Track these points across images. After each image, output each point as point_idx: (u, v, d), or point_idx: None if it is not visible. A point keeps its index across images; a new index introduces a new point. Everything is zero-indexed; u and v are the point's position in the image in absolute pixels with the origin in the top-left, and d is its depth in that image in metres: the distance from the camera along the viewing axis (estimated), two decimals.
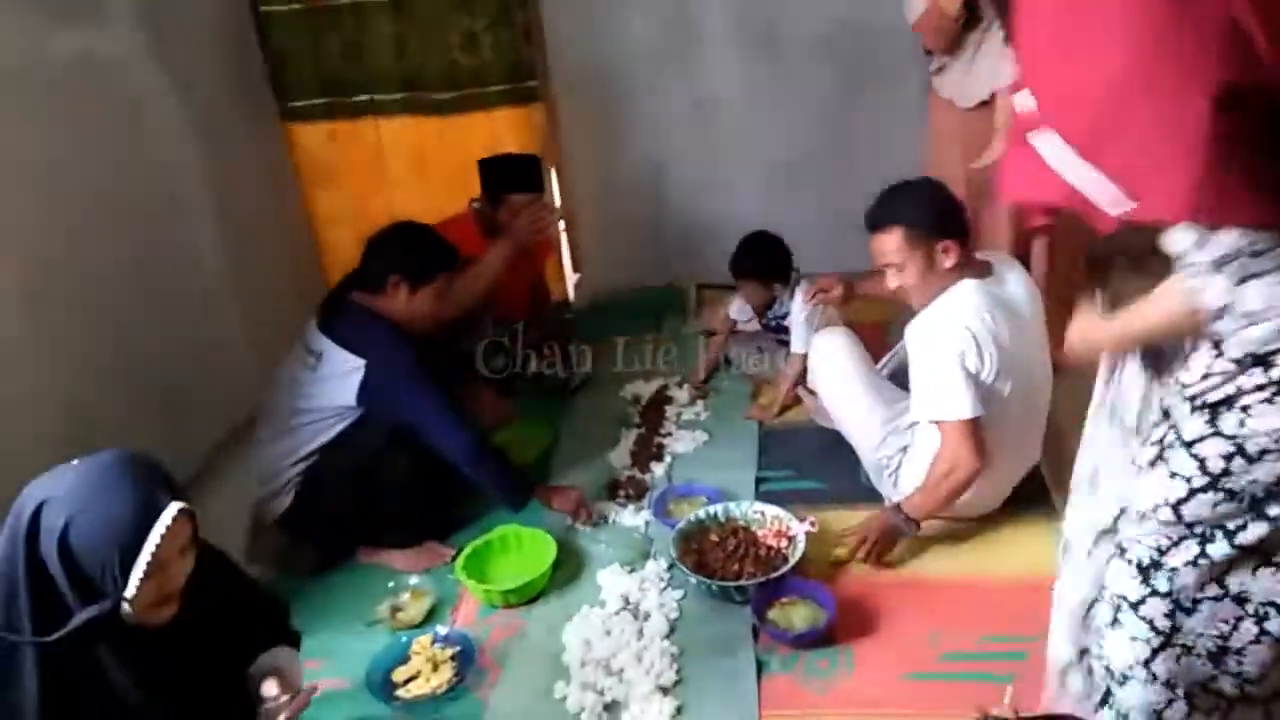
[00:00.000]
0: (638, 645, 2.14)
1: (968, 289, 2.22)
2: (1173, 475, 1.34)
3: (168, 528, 1.35)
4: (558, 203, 3.72)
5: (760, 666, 2.07)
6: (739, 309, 3.33)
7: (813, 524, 2.37)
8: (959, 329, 2.17)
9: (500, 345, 3.21)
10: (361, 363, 2.36)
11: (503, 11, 3.41)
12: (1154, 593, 1.39)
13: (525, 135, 3.56)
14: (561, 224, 3.74)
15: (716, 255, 3.68)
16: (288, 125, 3.59)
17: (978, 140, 2.83)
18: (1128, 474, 1.45)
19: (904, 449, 2.43)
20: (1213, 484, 1.30)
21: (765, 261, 3.13)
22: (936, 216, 2.21)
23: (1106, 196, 1.21)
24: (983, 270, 2.29)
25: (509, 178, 3.11)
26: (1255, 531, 1.31)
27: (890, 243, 2.23)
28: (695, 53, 3.57)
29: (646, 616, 2.23)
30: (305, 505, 2.44)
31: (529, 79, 3.52)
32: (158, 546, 1.34)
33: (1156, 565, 1.38)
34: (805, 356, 2.91)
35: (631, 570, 2.38)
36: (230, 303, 3.17)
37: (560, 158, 3.75)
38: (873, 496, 2.53)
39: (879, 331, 3.09)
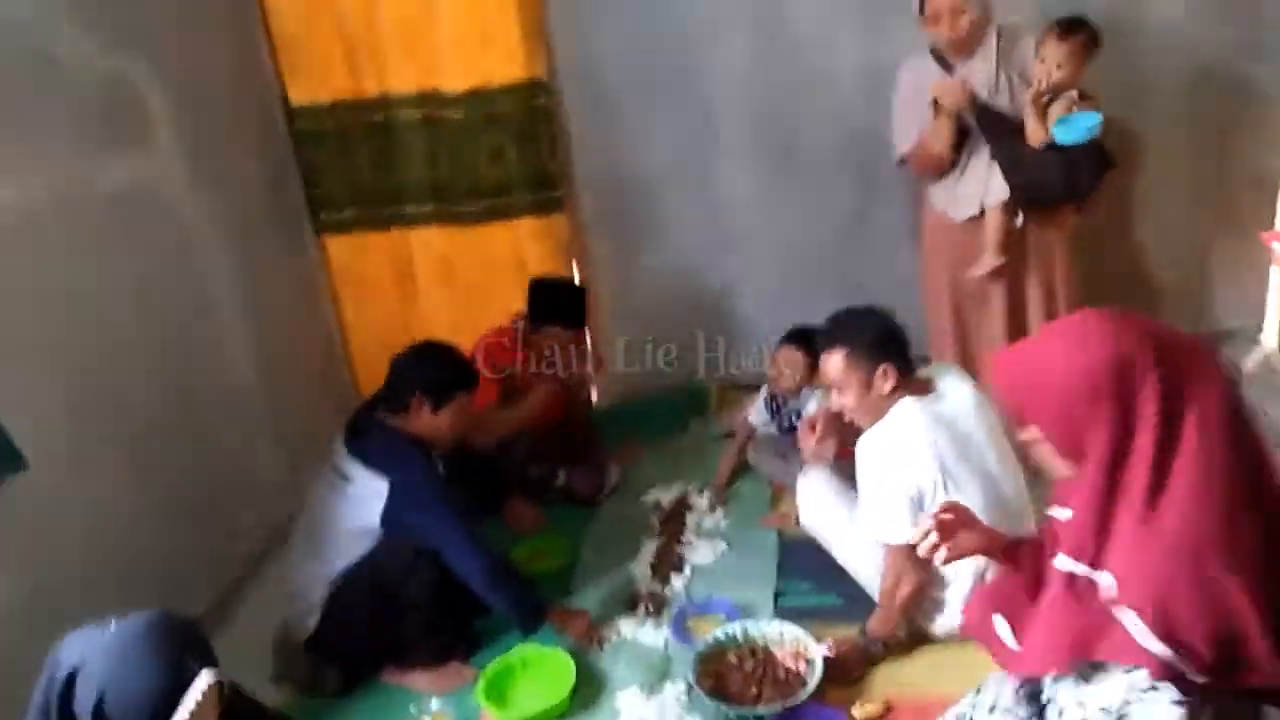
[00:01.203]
0: None
1: (906, 409, 2.31)
2: None
3: (198, 702, 1.40)
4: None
5: None
6: (757, 413, 3.37)
7: (830, 648, 2.39)
8: (898, 452, 2.27)
9: (534, 456, 3.31)
10: (385, 484, 2.44)
11: (529, 126, 3.54)
12: None
13: (548, 244, 3.67)
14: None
15: (736, 354, 3.78)
16: (321, 237, 3.72)
17: (969, 251, 2.93)
18: None
19: None
20: None
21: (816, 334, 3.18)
22: (876, 341, 2.33)
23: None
24: (924, 388, 2.37)
25: (553, 308, 3.24)
26: None
27: (833, 364, 2.36)
28: (717, 163, 3.66)
29: None
30: (331, 626, 2.50)
31: (553, 189, 3.63)
32: (190, 714, 1.40)
33: None
34: None
35: (650, 693, 2.40)
36: (263, 414, 3.27)
37: (584, 261, 3.84)
38: None
39: None
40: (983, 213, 2.89)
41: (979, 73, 2.83)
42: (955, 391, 2.38)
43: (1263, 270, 3.53)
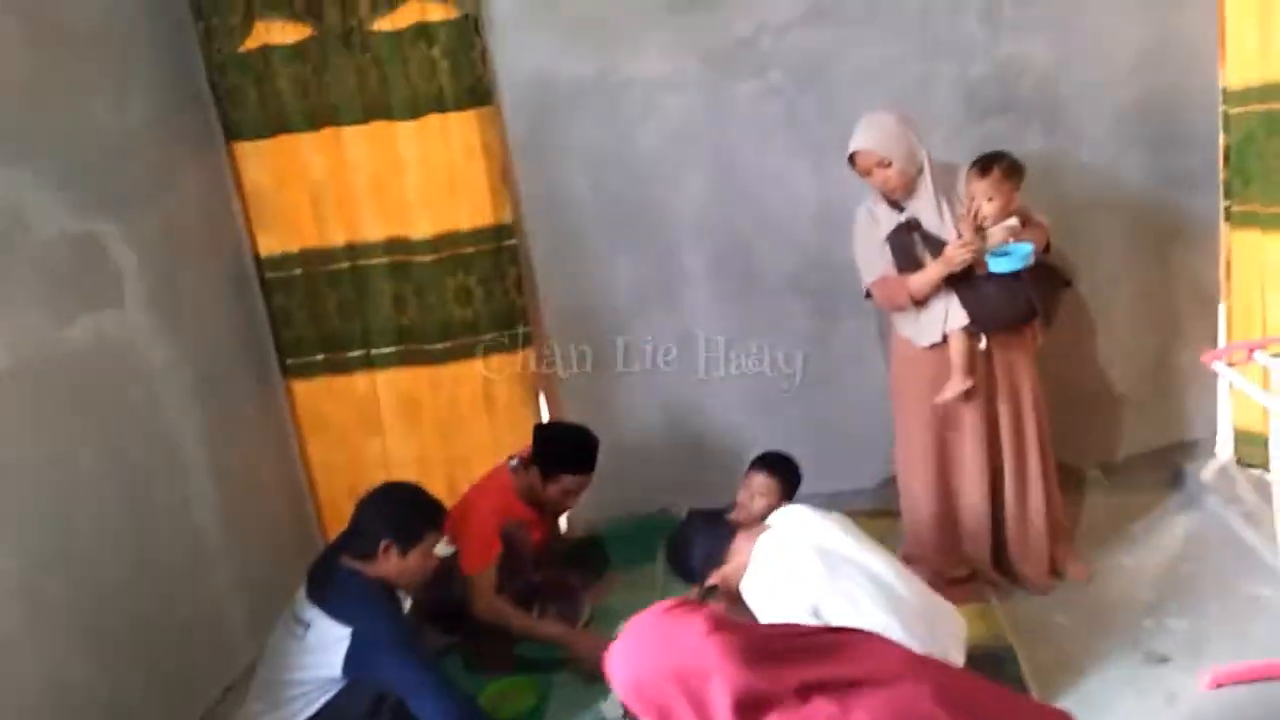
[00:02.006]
0: None
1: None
2: None
3: None
4: None
5: None
6: None
7: None
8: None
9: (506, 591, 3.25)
10: (348, 632, 2.40)
11: (495, 267, 3.65)
12: None
13: (516, 380, 3.73)
14: None
15: (703, 480, 3.80)
16: (289, 381, 3.77)
17: (939, 375, 3.00)
18: None
19: None
20: None
21: (789, 467, 3.25)
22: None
23: None
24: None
25: (571, 457, 3.24)
26: None
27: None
28: (680, 291, 3.76)
29: None
30: None
31: (520, 326, 3.72)
32: None
33: None
34: None
35: None
36: (224, 559, 3.24)
37: (552, 394, 3.90)
38: None
39: None
40: (945, 339, 2.97)
41: (924, 208, 2.96)
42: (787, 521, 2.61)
43: (1213, 381, 3.62)
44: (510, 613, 3.10)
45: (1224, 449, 3.68)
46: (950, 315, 2.94)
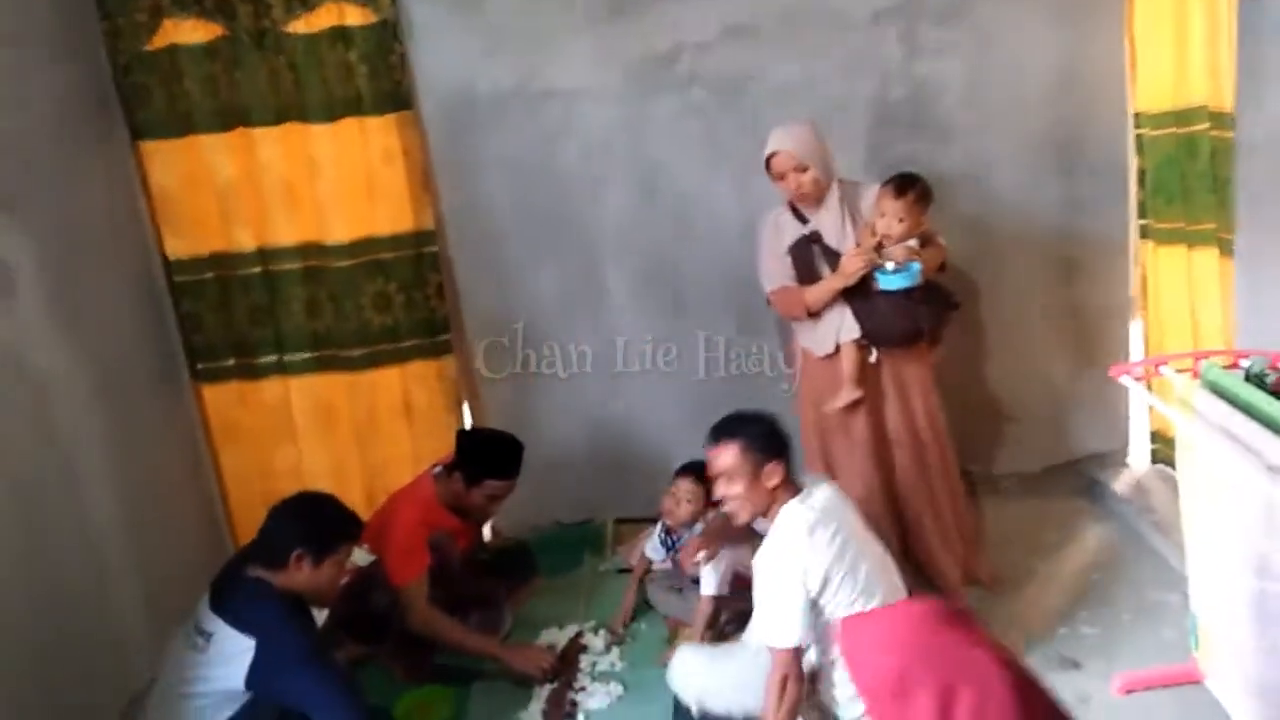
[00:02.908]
0: None
1: (791, 513, 2.40)
2: None
3: None
4: None
5: None
6: (653, 548, 3.34)
7: None
8: (791, 552, 2.34)
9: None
10: (252, 643, 2.30)
11: (415, 274, 3.58)
12: None
13: (437, 386, 3.66)
14: None
15: (631, 489, 3.77)
16: (198, 386, 3.64)
17: (832, 384, 3.05)
18: None
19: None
20: None
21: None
22: (768, 440, 2.45)
23: None
24: (797, 491, 2.47)
25: (495, 462, 3.17)
26: None
27: (727, 456, 2.45)
28: (605, 302, 3.74)
29: None
30: None
31: (442, 333, 3.65)
32: None
33: None
34: (715, 599, 3.04)
35: None
36: (126, 574, 3.09)
37: (475, 402, 3.83)
38: None
39: None
40: (838, 349, 3.02)
41: (827, 222, 3.01)
42: (820, 492, 2.49)
43: (1125, 394, 3.72)
44: (445, 624, 3.03)
45: (1137, 459, 3.78)
46: (844, 327, 3.00)
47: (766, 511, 2.46)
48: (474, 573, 3.37)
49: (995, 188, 3.60)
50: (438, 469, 3.23)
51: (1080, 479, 3.81)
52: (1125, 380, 2.59)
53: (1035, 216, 3.62)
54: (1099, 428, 3.82)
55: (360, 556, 3.19)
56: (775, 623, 2.34)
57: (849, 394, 3.01)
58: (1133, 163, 3.52)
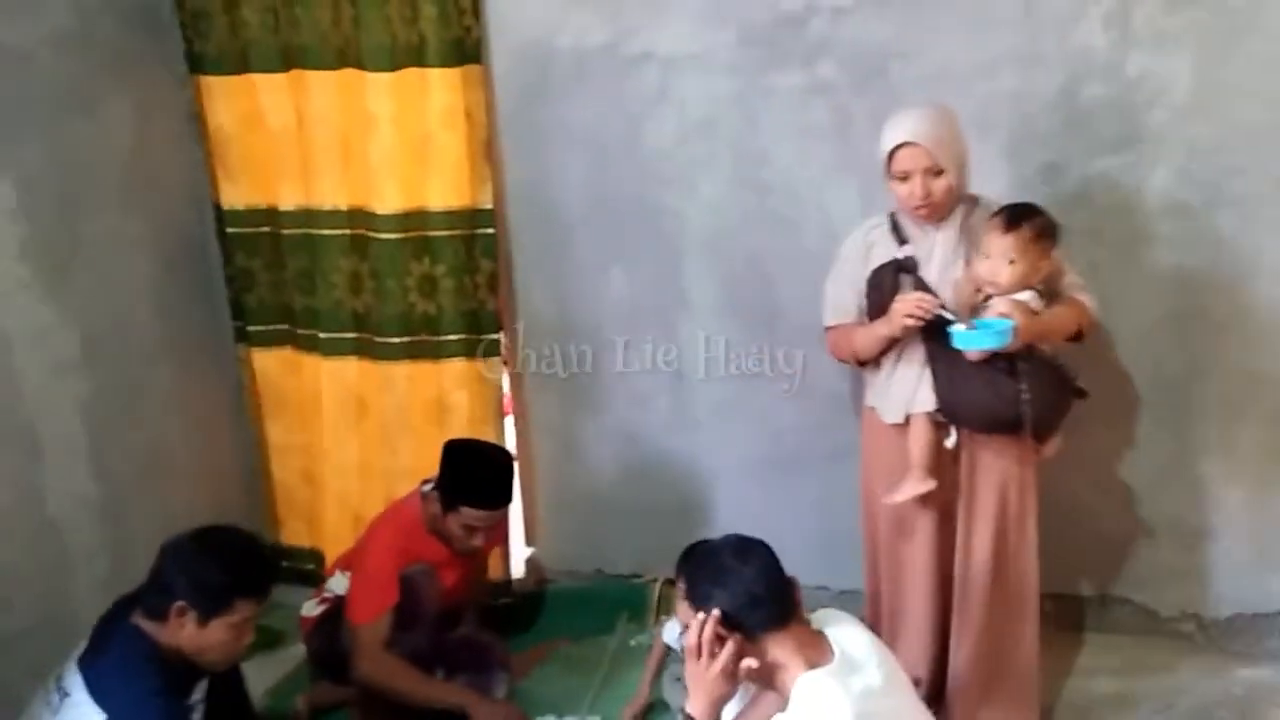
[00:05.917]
0: None
1: (821, 689, 1.68)
2: None
3: None
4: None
5: None
6: (669, 629, 2.70)
7: None
8: None
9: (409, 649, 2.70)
10: (103, 718, 1.91)
11: (466, 258, 3.06)
12: None
13: (478, 391, 3.15)
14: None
15: (679, 547, 3.13)
16: (248, 350, 3.37)
17: (898, 461, 2.33)
18: None
19: None
20: None
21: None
22: (738, 602, 1.78)
23: None
24: (817, 646, 1.77)
25: (475, 486, 2.62)
26: None
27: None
28: (680, 317, 3.10)
29: None
30: None
31: (489, 330, 3.13)
32: None
33: None
34: None
35: None
36: (87, 560, 2.81)
37: (522, 419, 3.31)
38: None
39: None
40: (908, 420, 2.30)
41: (936, 248, 2.28)
42: (855, 645, 1.78)
43: None
44: (398, 671, 2.56)
45: None
46: (919, 395, 2.26)
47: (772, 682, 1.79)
48: (470, 621, 2.88)
49: (1217, 227, 2.64)
50: (427, 486, 2.72)
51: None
52: None
53: (1261, 269, 2.65)
54: None
55: (339, 584, 2.77)
56: None
57: (915, 484, 2.27)
58: None
